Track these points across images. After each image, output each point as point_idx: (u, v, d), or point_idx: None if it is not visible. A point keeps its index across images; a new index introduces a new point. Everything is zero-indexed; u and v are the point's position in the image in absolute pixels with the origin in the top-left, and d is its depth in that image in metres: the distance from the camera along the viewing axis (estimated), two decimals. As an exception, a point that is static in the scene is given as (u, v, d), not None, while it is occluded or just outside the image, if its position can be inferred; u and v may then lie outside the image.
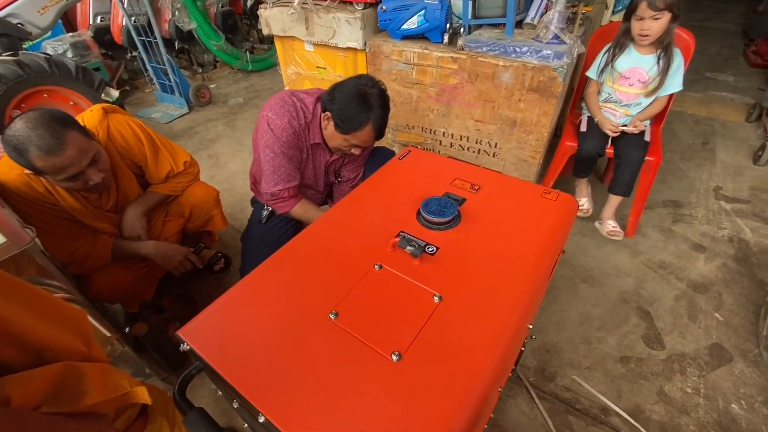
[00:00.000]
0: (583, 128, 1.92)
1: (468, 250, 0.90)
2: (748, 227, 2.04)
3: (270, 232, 1.62)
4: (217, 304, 0.80)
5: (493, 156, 2.07)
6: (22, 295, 0.52)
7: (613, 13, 2.60)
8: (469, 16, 1.80)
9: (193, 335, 0.74)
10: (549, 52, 1.65)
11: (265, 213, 1.63)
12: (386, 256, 0.88)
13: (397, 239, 0.88)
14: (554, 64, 1.65)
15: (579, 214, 2.01)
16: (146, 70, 3.51)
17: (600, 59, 1.83)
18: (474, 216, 0.99)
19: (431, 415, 0.61)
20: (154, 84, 3.52)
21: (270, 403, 0.63)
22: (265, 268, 0.87)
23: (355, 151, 1.40)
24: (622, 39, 1.72)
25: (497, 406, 1.35)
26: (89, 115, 1.29)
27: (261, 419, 0.62)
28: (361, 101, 1.23)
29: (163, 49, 3.11)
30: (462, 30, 1.85)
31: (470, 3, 1.77)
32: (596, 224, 2.04)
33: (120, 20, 3.47)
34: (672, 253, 1.91)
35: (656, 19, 1.57)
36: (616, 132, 1.80)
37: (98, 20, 3.65)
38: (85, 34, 3.44)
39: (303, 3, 2.09)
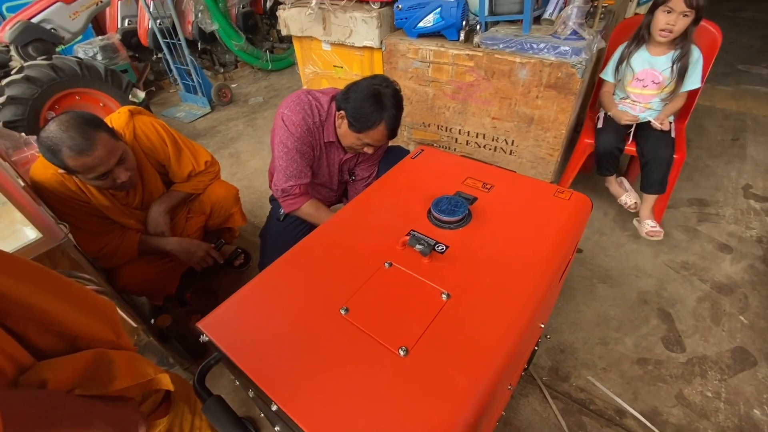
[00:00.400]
0: (600, 125, 1.88)
1: (478, 249, 0.91)
2: (779, 227, 1.95)
3: (287, 229, 1.66)
4: (234, 299, 0.84)
5: (510, 154, 2.06)
6: (60, 287, 0.56)
7: (639, 4, 2.53)
8: (486, 13, 1.79)
9: (211, 327, 0.78)
10: (567, 48, 1.62)
11: (282, 211, 1.68)
12: (396, 254, 0.90)
13: (407, 238, 0.89)
14: (572, 61, 1.62)
15: (629, 210, 1.96)
16: (170, 71, 3.63)
17: (615, 57, 1.79)
18: (485, 215, 1.00)
19: (436, 409, 0.63)
20: (178, 84, 3.63)
21: (282, 392, 0.66)
22: (279, 264, 0.91)
23: (368, 150, 1.41)
24: (643, 33, 1.68)
25: (510, 404, 1.36)
26: (116, 117, 1.36)
27: (273, 407, 0.65)
28: (375, 101, 1.25)
29: (186, 51, 3.21)
30: (478, 27, 1.84)
31: (487, 0, 1.76)
32: (635, 222, 1.99)
33: (146, 23, 3.59)
34: (696, 254, 1.85)
35: (685, 15, 1.52)
36: (633, 122, 1.76)
37: (126, 23, 3.78)
38: (114, 37, 3.58)
39: (320, 3, 2.12)
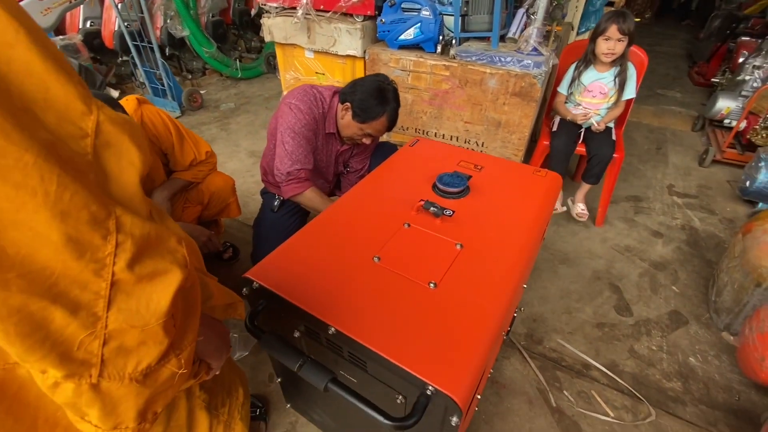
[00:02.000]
0: (555, 128, 2.19)
1: (478, 213, 1.09)
2: (697, 217, 2.36)
3: (281, 219, 1.75)
4: (275, 254, 0.94)
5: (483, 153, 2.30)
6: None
7: (578, 33, 2.95)
8: (459, 30, 2.05)
9: (261, 275, 0.88)
10: (529, 61, 1.90)
11: (276, 202, 1.77)
12: (412, 218, 1.05)
13: (421, 203, 1.05)
14: (534, 72, 1.91)
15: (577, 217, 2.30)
16: (136, 74, 3.56)
17: (569, 75, 2.11)
18: (479, 189, 1.19)
19: (466, 325, 0.78)
20: (145, 88, 3.57)
21: (336, 318, 0.78)
22: (312, 227, 1.02)
23: (366, 141, 1.56)
24: (590, 56, 2.00)
25: (495, 365, 1.53)
26: (125, 104, 1.40)
27: (331, 331, 0.77)
28: (380, 95, 1.41)
29: (158, 54, 3.20)
30: (453, 41, 2.08)
31: (460, 19, 2.02)
32: (568, 202, 2.31)
33: (112, 25, 3.52)
34: (635, 239, 2.19)
35: (620, 41, 1.87)
36: (585, 119, 2.08)
37: (88, 24, 3.68)
38: (75, 38, 3.47)
39: (306, 14, 2.27)
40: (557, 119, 2.23)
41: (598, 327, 1.70)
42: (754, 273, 1.51)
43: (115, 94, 2.72)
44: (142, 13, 3.10)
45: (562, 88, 2.14)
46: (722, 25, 4.52)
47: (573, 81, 2.08)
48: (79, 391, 0.37)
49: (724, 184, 2.66)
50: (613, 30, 1.85)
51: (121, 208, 0.37)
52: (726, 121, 2.97)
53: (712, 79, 3.62)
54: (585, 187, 2.22)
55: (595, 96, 2.05)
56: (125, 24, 3.20)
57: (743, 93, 2.91)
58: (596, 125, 2.05)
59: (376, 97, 1.41)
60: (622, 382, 1.49)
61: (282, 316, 0.89)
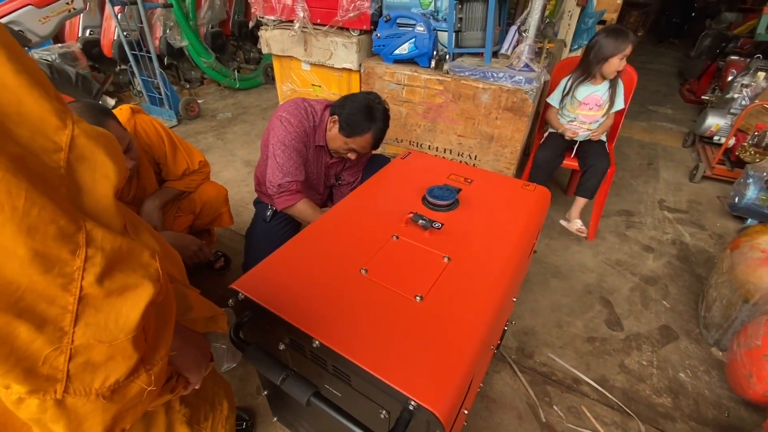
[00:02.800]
0: (543, 140, 2.22)
1: (467, 226, 1.09)
2: (687, 232, 2.38)
3: (273, 229, 1.75)
4: (263, 265, 0.94)
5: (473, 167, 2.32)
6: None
7: (571, 50, 3.01)
8: (453, 46, 2.08)
9: (246, 287, 0.87)
10: (521, 77, 1.94)
11: (269, 212, 1.77)
12: (401, 230, 1.06)
13: (410, 216, 1.06)
14: (525, 88, 1.94)
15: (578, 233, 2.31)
16: (134, 83, 3.58)
17: (561, 89, 2.13)
18: (469, 201, 1.20)
19: (451, 337, 0.78)
20: (142, 96, 3.59)
21: (320, 331, 0.77)
22: (300, 238, 1.03)
23: (351, 156, 1.57)
24: (595, 72, 2.01)
25: (485, 379, 1.52)
26: (118, 113, 1.41)
27: (315, 344, 0.76)
28: (368, 112, 1.43)
29: (156, 64, 3.23)
30: (447, 57, 2.12)
31: (454, 35, 2.05)
32: (563, 222, 2.32)
33: (111, 34, 3.56)
34: (626, 253, 2.20)
35: (626, 57, 1.92)
36: (574, 136, 2.11)
37: (87, 33, 3.71)
38: (74, 46, 3.49)
39: (303, 27, 2.31)
40: (547, 132, 2.26)
41: (589, 341, 1.70)
42: (741, 289, 1.52)
43: (111, 102, 2.73)
44: (141, 23, 3.14)
45: (553, 101, 2.16)
46: (712, 44, 4.63)
47: (566, 95, 2.12)
48: (43, 407, 0.36)
49: (714, 199, 2.69)
50: (629, 49, 1.90)
51: (92, 222, 0.37)
52: (715, 137, 3.02)
53: (703, 97, 3.69)
54: (580, 202, 2.24)
55: (591, 108, 2.08)
56: (124, 34, 3.23)
57: (732, 111, 2.96)
58: (592, 135, 2.10)
59: (364, 113, 1.43)
60: (612, 398, 1.48)
61: (267, 328, 0.89)
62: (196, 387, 0.68)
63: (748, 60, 3.39)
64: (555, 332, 1.73)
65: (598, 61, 1.97)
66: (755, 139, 2.62)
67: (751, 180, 2.26)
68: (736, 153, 2.71)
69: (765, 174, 2.21)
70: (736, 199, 2.32)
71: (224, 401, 0.97)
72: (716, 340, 1.65)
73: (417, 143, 2.40)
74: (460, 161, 2.33)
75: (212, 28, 4.07)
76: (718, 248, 2.25)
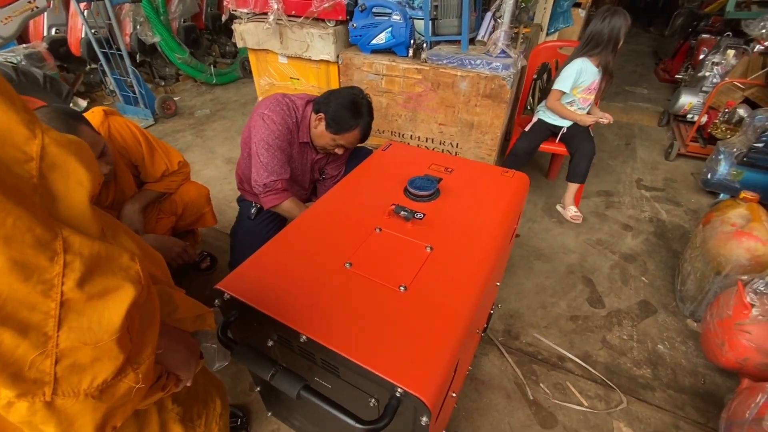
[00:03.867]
0: (527, 129, 2.24)
1: (448, 215, 1.11)
2: (664, 209, 2.46)
3: (258, 227, 1.75)
4: (247, 264, 0.95)
5: (455, 155, 2.34)
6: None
7: (547, 34, 3.03)
8: (430, 34, 2.08)
9: (231, 286, 0.88)
10: (498, 64, 1.95)
11: (253, 210, 1.77)
12: (384, 222, 1.07)
13: (393, 207, 1.07)
14: (503, 74, 1.95)
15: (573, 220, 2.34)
16: (106, 82, 3.48)
17: (572, 73, 2.02)
18: (450, 191, 1.21)
19: (435, 325, 0.80)
20: (115, 96, 3.49)
21: (307, 326, 0.79)
22: (284, 235, 1.03)
23: (339, 151, 1.58)
24: (607, 54, 1.99)
25: (474, 362, 1.57)
26: (91, 117, 1.38)
27: (302, 339, 0.78)
28: (353, 108, 1.43)
29: (128, 61, 3.13)
30: (424, 45, 2.12)
31: (430, 23, 2.05)
32: (558, 208, 2.36)
33: (78, 32, 3.43)
34: (606, 233, 2.26)
35: None
36: (595, 122, 2.10)
37: (53, 32, 3.57)
38: (40, 46, 3.36)
39: (278, 19, 2.27)
40: (535, 119, 2.26)
41: (572, 320, 1.75)
42: (713, 262, 1.59)
43: (83, 104, 2.65)
44: (109, 19, 3.04)
45: (566, 86, 2.04)
46: (685, 23, 4.71)
47: (580, 77, 2.04)
48: (33, 409, 0.37)
49: (688, 176, 2.78)
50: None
51: (68, 229, 0.38)
52: (689, 116, 3.10)
53: (676, 76, 3.77)
54: (572, 188, 2.26)
55: (591, 92, 2.10)
56: (92, 31, 3.12)
57: (704, 89, 3.04)
58: (604, 120, 2.11)
59: (350, 109, 1.43)
60: (595, 372, 1.54)
61: (255, 326, 0.90)
62: (188, 384, 0.69)
63: (719, 38, 3.46)
64: (540, 313, 1.78)
65: (615, 44, 1.94)
66: (726, 116, 2.70)
67: (722, 156, 2.33)
68: (709, 130, 2.80)
69: (735, 150, 2.28)
70: (709, 175, 2.40)
71: (217, 399, 0.98)
72: (691, 311, 1.73)
73: (399, 133, 2.41)
74: (442, 150, 2.35)
75: (184, 22, 3.97)
76: (693, 223, 2.33)
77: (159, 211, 1.67)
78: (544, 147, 2.26)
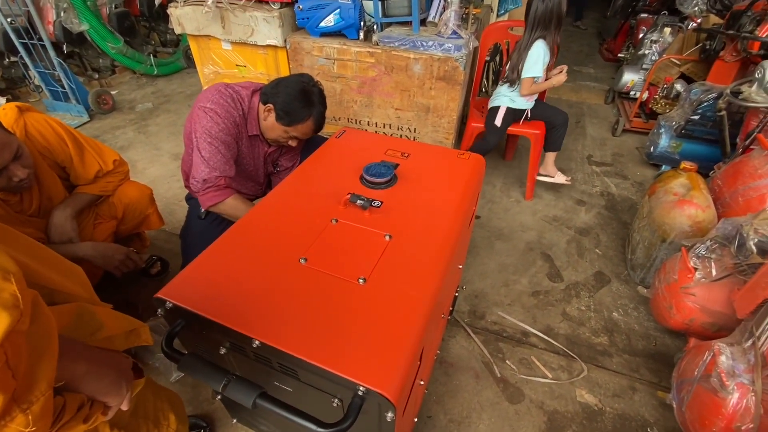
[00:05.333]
0: (498, 122, 2.13)
1: (406, 201, 1.08)
2: (613, 183, 2.57)
3: (210, 227, 1.63)
4: (191, 267, 0.87)
5: (414, 140, 2.32)
6: (31, 248, 0.56)
7: (498, 15, 3.04)
8: (380, 15, 2.02)
9: (174, 294, 0.81)
10: (450, 45, 1.93)
11: (203, 209, 1.65)
12: (340, 212, 1.02)
13: (348, 197, 1.03)
14: (455, 56, 1.93)
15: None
16: (29, 76, 3.14)
17: (542, 56, 1.96)
18: (407, 176, 1.18)
19: (396, 315, 0.78)
20: (42, 92, 3.16)
21: (260, 330, 0.74)
22: (232, 233, 0.96)
23: (292, 143, 1.49)
24: (555, 35, 1.98)
25: (442, 345, 1.57)
26: (2, 114, 1.22)
27: (255, 343, 0.73)
28: (304, 97, 1.35)
29: (52, 53, 2.84)
30: (375, 27, 2.05)
31: (380, 3, 1.99)
32: (545, 179, 2.36)
33: (-9, 22, 3.06)
34: (562, 209, 2.34)
35: None
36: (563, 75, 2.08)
37: (-41, 22, 3.16)
38: (-56, 37, 2.97)
39: (217, 2, 2.12)
40: (501, 112, 2.13)
41: (534, 295, 1.80)
42: (659, 230, 1.67)
43: (2, 101, 2.37)
44: (26, 6, 2.72)
45: (538, 71, 1.97)
46: (625, 3, 4.90)
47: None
48: None
49: (633, 150, 2.92)
50: None
51: None
52: (632, 92, 3.24)
53: (619, 55, 3.93)
54: (552, 156, 2.31)
55: (548, 70, 2.07)
56: (8, 20, 2.79)
57: (644, 66, 3.19)
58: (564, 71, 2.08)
59: (300, 99, 1.35)
60: (558, 344, 1.60)
61: (204, 334, 0.83)
62: (124, 408, 0.62)
63: (656, 17, 3.63)
64: (503, 291, 1.82)
65: (559, 21, 1.94)
66: (665, 92, 2.85)
67: (662, 129, 2.46)
68: (650, 105, 2.94)
69: (674, 123, 2.41)
70: (652, 149, 2.53)
71: (170, 414, 0.91)
72: (641, 279, 1.82)
73: (355, 120, 2.34)
74: (401, 135, 2.32)
75: (116, 8, 3.63)
76: (640, 195, 2.46)
77: (96, 216, 1.53)
78: (513, 130, 2.23)
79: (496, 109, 2.13)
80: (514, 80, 2.04)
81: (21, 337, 0.35)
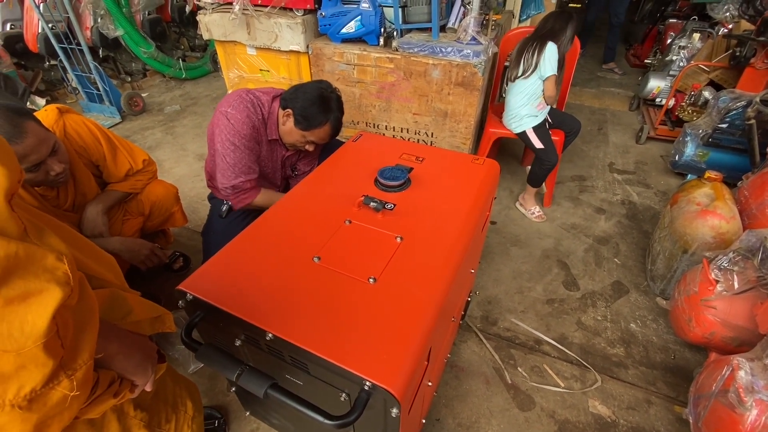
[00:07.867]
0: (539, 143, 2.04)
1: (419, 205, 1.10)
2: (635, 192, 2.51)
3: (230, 225, 1.69)
4: (211, 263, 0.92)
5: (431, 144, 2.33)
6: (70, 235, 0.61)
7: (520, 21, 3.03)
8: (401, 22, 2.05)
9: (194, 287, 0.85)
10: (469, 51, 1.94)
11: (225, 207, 1.71)
12: (354, 214, 1.05)
13: (362, 199, 1.06)
14: (474, 62, 1.94)
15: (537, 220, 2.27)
16: (68, 79, 3.33)
17: (556, 57, 1.92)
18: (421, 180, 1.20)
19: (404, 315, 0.80)
20: (78, 93, 3.34)
21: (273, 323, 0.77)
22: (250, 231, 1.01)
23: (309, 148, 1.53)
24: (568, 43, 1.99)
25: (453, 350, 1.58)
26: (44, 115, 1.31)
27: (269, 336, 0.76)
28: (322, 103, 1.39)
29: (89, 56, 3.00)
30: (395, 33, 2.09)
31: (400, 10, 2.02)
32: (521, 209, 2.33)
33: (35, 27, 3.26)
34: (580, 216, 2.30)
35: None
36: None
37: (8, 27, 3.38)
38: (-7, 43, 3.18)
39: (244, 9, 2.20)
40: (533, 134, 2.05)
41: (548, 303, 1.78)
42: (680, 241, 1.63)
43: (41, 102, 2.52)
44: (67, 13, 2.89)
45: (555, 68, 1.92)
46: (653, 8, 4.78)
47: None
48: None
49: (658, 159, 2.85)
50: None
51: None
52: (657, 99, 3.17)
53: (646, 60, 3.84)
54: (532, 190, 2.28)
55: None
56: (50, 25, 2.97)
57: (671, 72, 3.11)
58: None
59: (318, 105, 1.39)
60: (571, 354, 1.58)
61: (221, 326, 0.87)
62: (147, 389, 0.66)
63: (685, 22, 3.54)
64: (517, 298, 1.80)
65: (571, 37, 1.98)
66: (692, 99, 2.77)
67: (689, 138, 2.39)
68: (676, 113, 2.86)
69: (701, 131, 2.35)
70: (677, 157, 2.46)
71: (188, 402, 0.96)
72: (661, 290, 1.78)
73: (373, 124, 2.38)
74: (418, 140, 2.34)
75: (149, 14, 3.81)
76: (662, 205, 2.39)
77: (125, 213, 1.61)
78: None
79: (525, 134, 2.07)
80: (517, 77, 2.01)
81: (69, 312, 0.39)
